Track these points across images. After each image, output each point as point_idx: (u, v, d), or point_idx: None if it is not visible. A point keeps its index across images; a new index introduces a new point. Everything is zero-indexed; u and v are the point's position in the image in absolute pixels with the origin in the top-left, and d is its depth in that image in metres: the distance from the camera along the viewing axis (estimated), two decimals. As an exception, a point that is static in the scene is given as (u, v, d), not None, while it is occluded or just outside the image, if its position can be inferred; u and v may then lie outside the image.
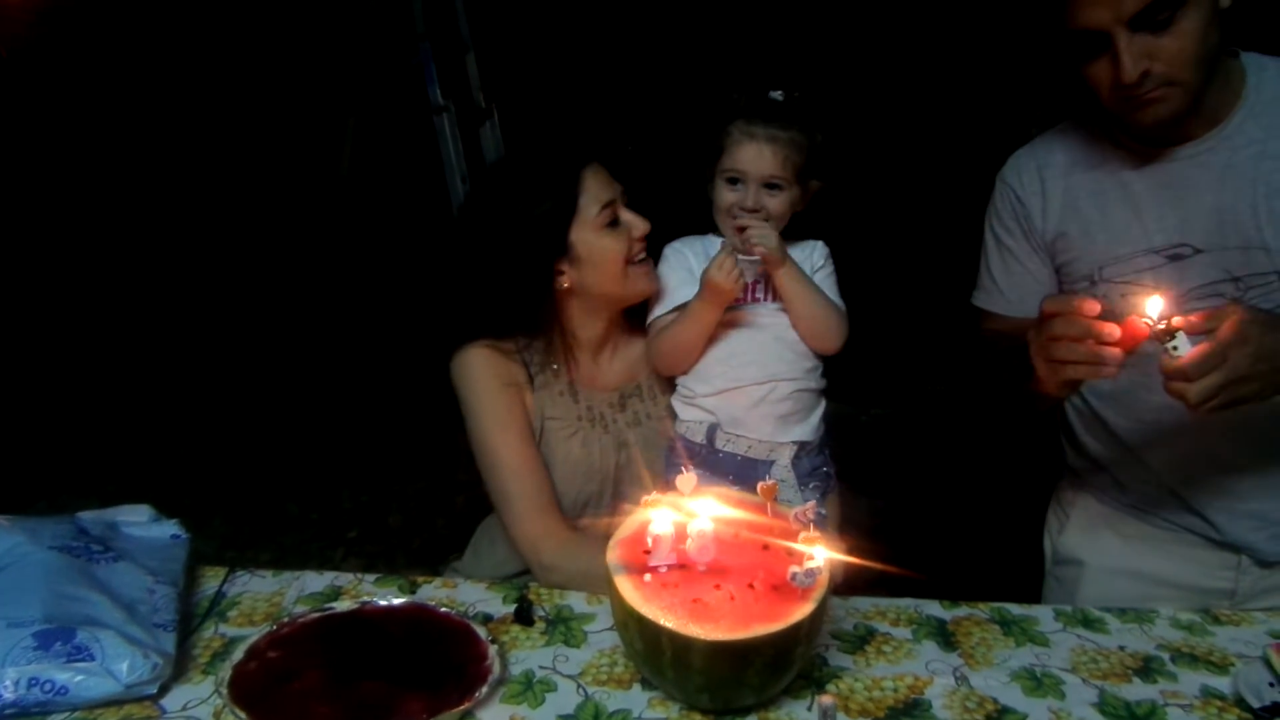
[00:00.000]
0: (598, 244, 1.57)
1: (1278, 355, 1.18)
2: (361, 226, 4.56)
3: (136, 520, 1.50)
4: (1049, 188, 1.54)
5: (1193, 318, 1.18)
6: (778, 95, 1.53)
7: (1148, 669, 1.31)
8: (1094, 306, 1.19)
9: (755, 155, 1.50)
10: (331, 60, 4.34)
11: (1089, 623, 1.42)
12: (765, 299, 1.58)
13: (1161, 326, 1.17)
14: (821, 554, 1.13)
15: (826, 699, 0.91)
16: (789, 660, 1.13)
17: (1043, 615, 1.44)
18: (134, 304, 4.58)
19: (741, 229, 1.52)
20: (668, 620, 1.08)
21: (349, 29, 4.21)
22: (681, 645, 1.08)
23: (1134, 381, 1.50)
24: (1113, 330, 1.19)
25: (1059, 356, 1.22)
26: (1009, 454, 1.62)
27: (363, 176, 4.54)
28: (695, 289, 1.53)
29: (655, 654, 1.12)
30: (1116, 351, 1.19)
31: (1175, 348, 1.16)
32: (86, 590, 1.24)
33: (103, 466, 3.82)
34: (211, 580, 1.47)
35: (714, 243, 1.61)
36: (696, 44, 4.08)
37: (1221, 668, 1.31)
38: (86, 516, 1.47)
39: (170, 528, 1.50)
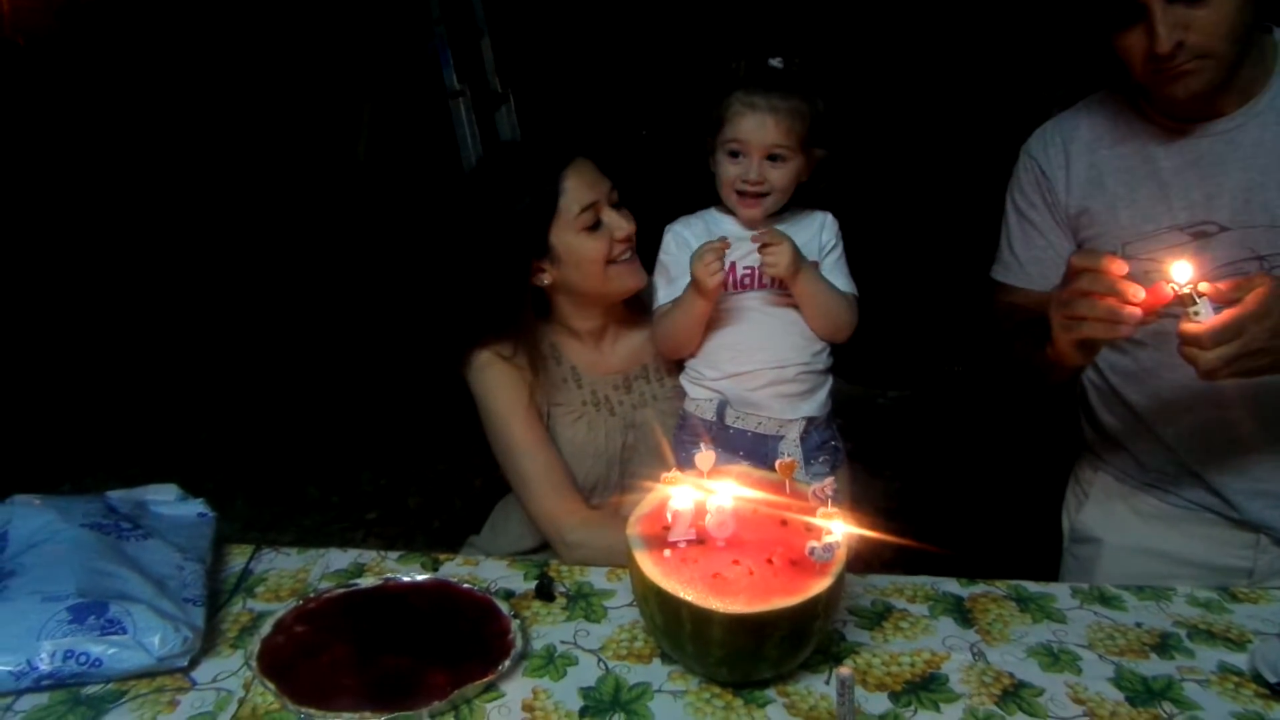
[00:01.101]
0: (577, 245, 1.58)
1: None
2: (378, 212, 4.58)
3: (164, 499, 1.53)
4: (1074, 162, 1.53)
5: (1220, 285, 1.19)
6: (777, 63, 1.51)
7: (1164, 645, 1.31)
8: (1122, 266, 1.20)
9: (757, 126, 1.48)
10: (347, 46, 4.35)
11: (1106, 600, 1.43)
12: (770, 284, 1.57)
13: (1187, 290, 1.17)
14: (839, 529, 1.14)
15: (844, 671, 0.92)
16: (807, 634, 1.14)
17: (1060, 592, 1.45)
18: (158, 290, 4.63)
19: (760, 245, 1.49)
20: (688, 594, 1.10)
21: (364, 15, 4.22)
22: (701, 618, 1.09)
23: (1155, 360, 1.51)
24: (1137, 290, 1.19)
25: (1079, 313, 1.23)
26: (1027, 433, 1.62)
27: (379, 162, 4.56)
28: None
29: (675, 627, 1.14)
30: (1136, 311, 1.19)
31: (1197, 313, 1.17)
32: (117, 566, 1.27)
33: (126, 450, 3.87)
34: (238, 557, 1.50)
35: (715, 218, 1.60)
36: (712, 21, 4.06)
37: (1239, 644, 1.31)
38: (115, 495, 1.50)
39: (197, 506, 1.53)
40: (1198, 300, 1.17)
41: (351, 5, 4.24)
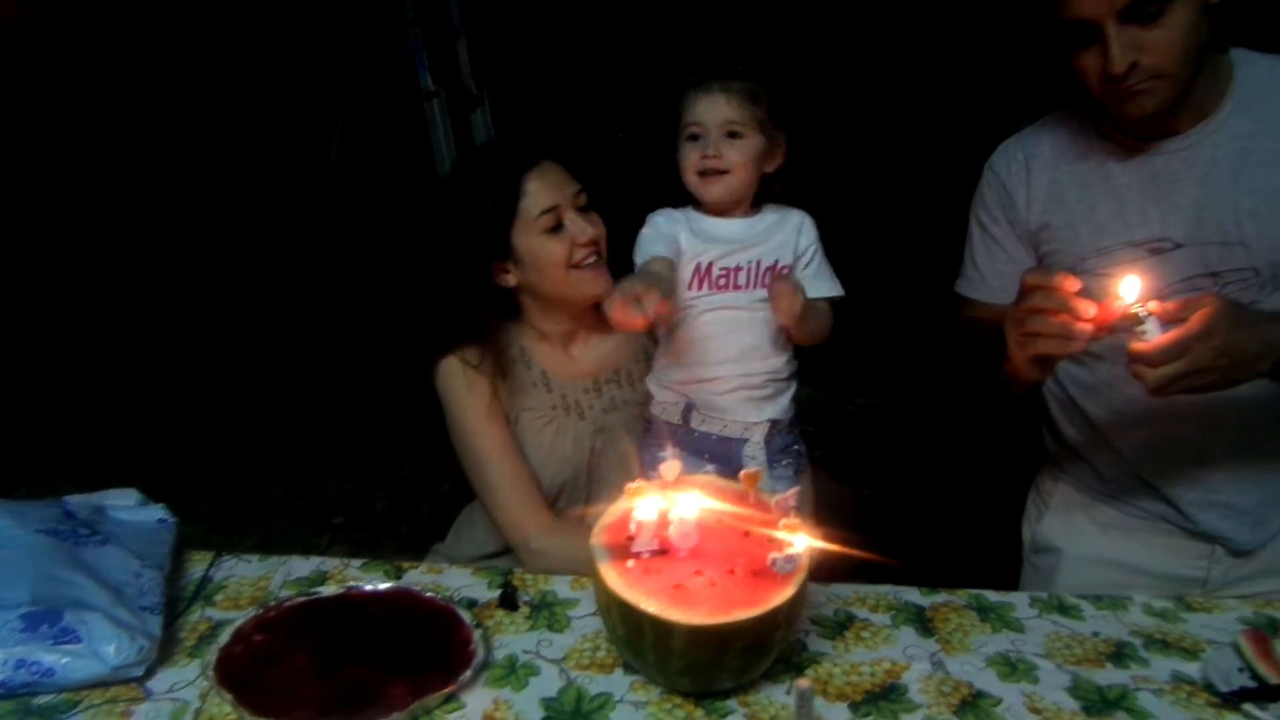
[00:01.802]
0: (538, 248, 1.59)
1: (1240, 351, 1.22)
2: (350, 213, 4.55)
3: (124, 504, 1.51)
4: (1035, 178, 1.55)
5: (1168, 304, 1.22)
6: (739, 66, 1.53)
7: (1120, 654, 1.33)
8: (1074, 283, 1.23)
9: (710, 104, 1.50)
10: (322, 47, 4.32)
11: (1064, 609, 1.45)
12: (745, 287, 1.55)
13: (1136, 310, 1.20)
14: (801, 541, 1.15)
15: (804, 683, 0.92)
16: (768, 644, 1.15)
17: (1019, 602, 1.46)
18: (119, 290, 4.56)
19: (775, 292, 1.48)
20: (649, 605, 1.10)
21: (339, 15, 4.19)
22: (663, 630, 1.10)
23: (1112, 373, 1.53)
24: (1089, 307, 1.22)
25: (1033, 329, 1.25)
26: (990, 443, 1.64)
27: (353, 163, 4.53)
28: (669, 248, 1.51)
29: (637, 638, 1.14)
30: (1087, 327, 1.22)
31: (1145, 331, 1.20)
32: (73, 573, 1.25)
33: (88, 451, 3.81)
34: (198, 564, 1.48)
35: (692, 214, 1.58)
36: (690, 24, 4.07)
37: (1192, 654, 1.33)
38: (74, 500, 1.48)
39: (157, 512, 1.51)
40: (1146, 319, 1.20)
41: (326, 5, 4.21)
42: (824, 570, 1.44)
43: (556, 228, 1.59)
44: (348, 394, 4.27)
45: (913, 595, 1.47)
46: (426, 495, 3.69)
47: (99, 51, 4.37)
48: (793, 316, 1.46)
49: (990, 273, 1.62)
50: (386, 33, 3.83)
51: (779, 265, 1.54)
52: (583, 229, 1.60)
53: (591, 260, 1.62)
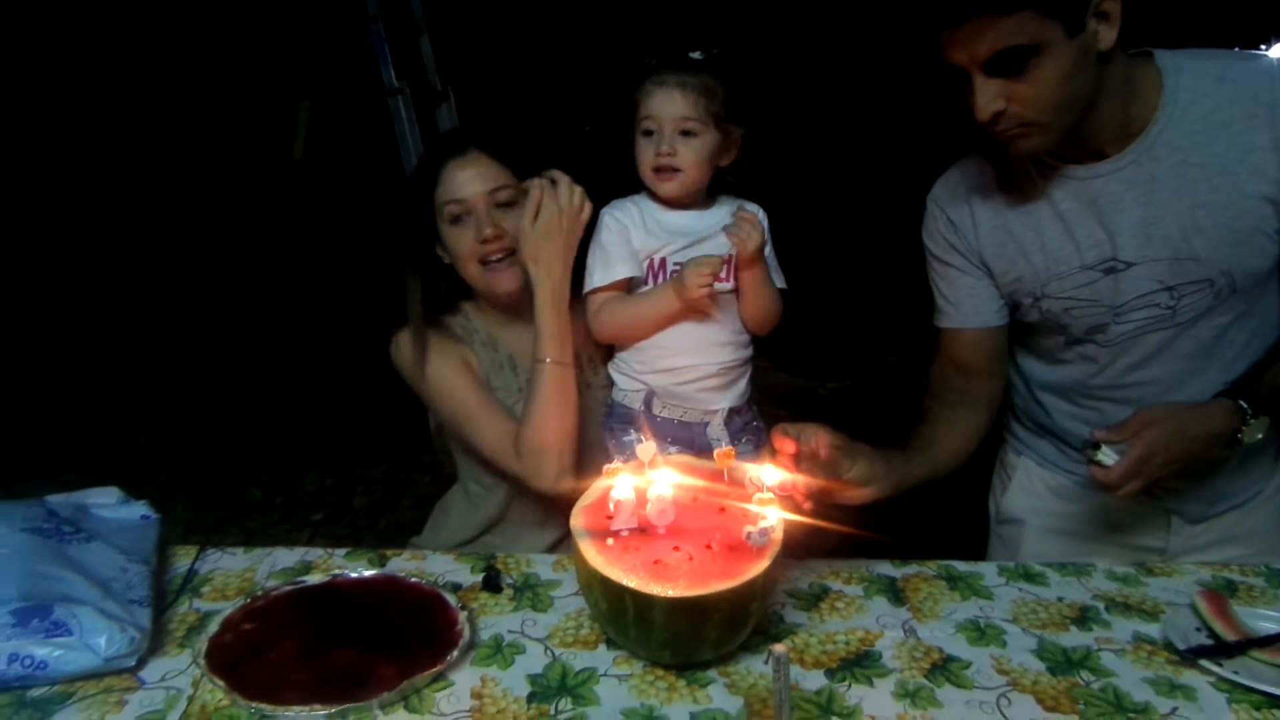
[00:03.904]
0: (448, 237, 1.65)
1: (1188, 454, 1.40)
2: (318, 210, 4.54)
3: (106, 502, 1.52)
4: (978, 209, 1.54)
5: (1112, 433, 1.37)
6: (697, 55, 1.55)
7: (1084, 618, 1.39)
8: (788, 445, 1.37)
9: (665, 99, 1.50)
10: (285, 44, 4.30)
11: (1030, 577, 1.50)
12: None
13: (1088, 439, 1.39)
14: (774, 514, 1.19)
15: (779, 648, 0.96)
16: (745, 615, 1.19)
17: (987, 571, 1.52)
18: (91, 291, 4.53)
19: (738, 220, 1.51)
20: (630, 580, 1.13)
21: (301, 12, 4.17)
22: (644, 604, 1.13)
23: (1072, 378, 1.59)
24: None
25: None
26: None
27: (318, 160, 4.52)
28: (633, 263, 1.55)
29: (619, 613, 1.17)
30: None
31: (1100, 460, 1.37)
32: (61, 569, 1.26)
33: (59, 456, 3.78)
34: (184, 558, 1.50)
35: (647, 203, 1.59)
36: (655, 18, 4.10)
37: (1153, 615, 1.39)
38: (56, 499, 1.49)
39: (140, 508, 1.53)
40: (1099, 447, 1.37)
41: (288, 2, 4.19)
42: (799, 549, 1.49)
43: (460, 219, 1.63)
44: (323, 390, 4.27)
45: (885, 568, 1.52)
46: (405, 489, 3.71)
47: (64, 51, 4.33)
48: (750, 248, 1.49)
49: (957, 299, 1.61)
50: (349, 30, 3.82)
51: (731, 259, 1.55)
52: (488, 225, 1.62)
53: (497, 258, 1.63)
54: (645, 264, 1.56)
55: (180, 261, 4.66)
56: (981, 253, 1.56)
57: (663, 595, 1.12)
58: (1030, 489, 1.74)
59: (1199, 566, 1.54)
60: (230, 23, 4.36)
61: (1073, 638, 1.34)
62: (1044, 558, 1.59)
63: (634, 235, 1.56)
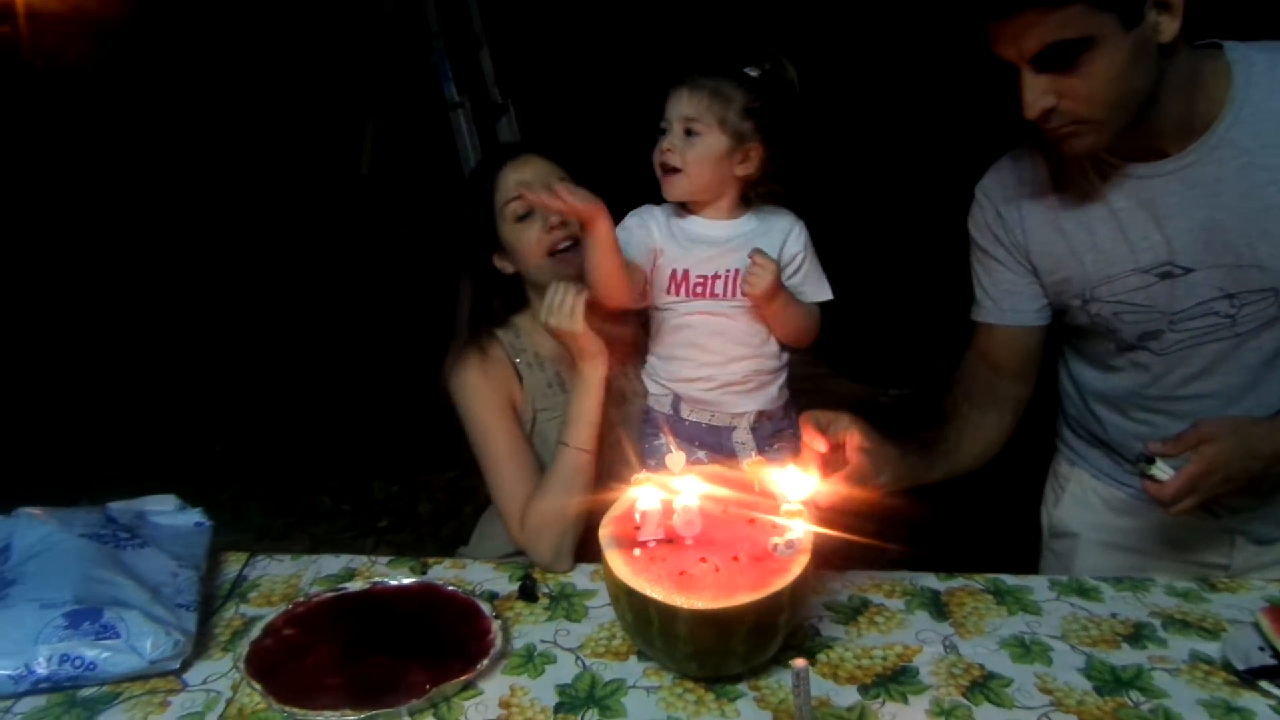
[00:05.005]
0: (513, 236, 1.64)
1: (1248, 471, 1.32)
2: (383, 223, 4.66)
3: (163, 509, 1.58)
4: (1027, 203, 1.48)
5: (1167, 447, 1.29)
6: (752, 71, 1.49)
7: (1138, 635, 1.34)
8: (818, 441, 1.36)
9: (674, 99, 1.47)
10: (349, 62, 4.43)
11: (1084, 592, 1.45)
12: (722, 295, 1.51)
13: (1143, 454, 1.31)
14: (801, 526, 1.17)
15: (799, 662, 0.94)
16: (772, 628, 1.17)
17: (1037, 585, 1.47)
18: (172, 305, 4.72)
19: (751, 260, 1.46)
20: (654, 591, 1.13)
21: (366, 31, 4.29)
22: (668, 615, 1.13)
23: (1125, 388, 1.52)
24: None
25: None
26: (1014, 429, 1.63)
27: (383, 175, 4.63)
28: (643, 255, 1.51)
29: (644, 624, 1.17)
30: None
31: (1154, 474, 1.30)
32: (114, 574, 1.32)
33: (143, 463, 3.94)
34: (234, 564, 1.55)
35: (674, 214, 1.55)
36: (714, 28, 4.10)
37: (1213, 633, 1.33)
38: (116, 506, 1.56)
39: (194, 515, 1.58)
40: (1154, 461, 1.29)
41: (353, 22, 4.31)
42: (840, 559, 1.46)
43: (527, 215, 1.62)
44: (391, 400, 4.36)
45: (929, 580, 1.49)
46: (468, 497, 3.75)
47: (138, 71, 4.53)
48: (758, 292, 1.44)
49: (998, 294, 1.55)
50: (412, 47, 3.91)
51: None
52: (553, 214, 1.58)
53: (565, 246, 1.62)
54: (668, 273, 1.52)
55: (258, 277, 4.83)
56: (1028, 249, 1.49)
57: (687, 607, 1.11)
58: (1084, 501, 1.67)
59: (1268, 582, 1.46)
60: (300, 46, 4.51)
61: (1124, 656, 1.29)
62: (1099, 573, 1.53)
63: (654, 232, 1.53)
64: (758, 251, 1.46)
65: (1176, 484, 1.27)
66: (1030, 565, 1.74)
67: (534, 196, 1.39)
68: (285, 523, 3.67)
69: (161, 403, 4.45)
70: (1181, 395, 1.47)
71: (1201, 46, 1.33)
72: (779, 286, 1.47)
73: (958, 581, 1.48)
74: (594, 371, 1.56)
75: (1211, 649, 1.30)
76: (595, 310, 1.62)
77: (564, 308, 1.49)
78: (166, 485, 1.65)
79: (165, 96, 4.63)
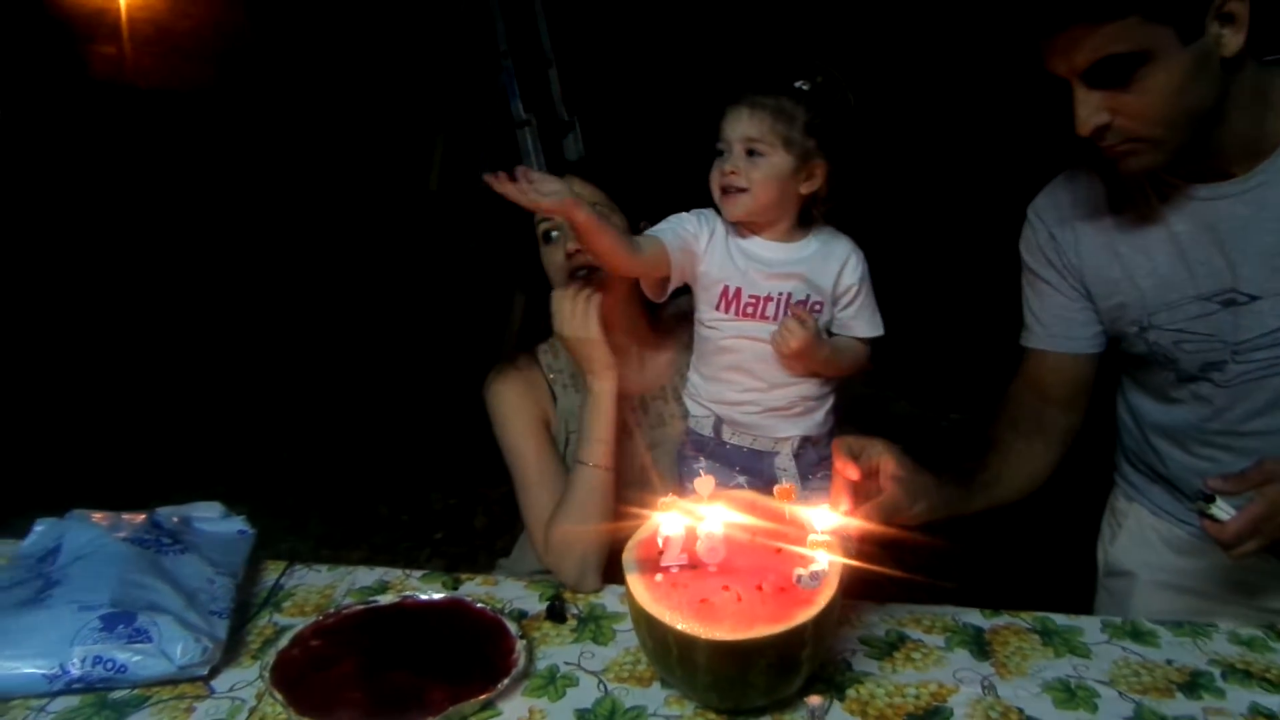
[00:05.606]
0: (544, 256, 1.63)
1: None
2: (453, 238, 4.74)
3: (208, 516, 1.61)
4: (1082, 226, 1.42)
5: (1229, 485, 1.21)
6: (803, 85, 1.46)
7: (1194, 684, 1.26)
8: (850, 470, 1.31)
9: (734, 119, 1.43)
10: (420, 80, 4.52)
11: (1139, 635, 1.38)
12: (773, 319, 1.48)
13: (1200, 490, 1.24)
14: (826, 558, 1.14)
15: (815, 700, 0.91)
16: (795, 662, 1.13)
17: (1088, 626, 1.40)
18: (242, 317, 4.88)
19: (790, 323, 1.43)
20: (673, 619, 1.10)
21: (435, 50, 4.38)
22: (686, 644, 1.10)
23: (1186, 421, 1.45)
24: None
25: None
26: (1066, 461, 1.56)
27: (452, 191, 4.72)
28: (679, 249, 1.47)
29: (663, 652, 1.14)
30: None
31: (1214, 514, 1.22)
32: (153, 579, 1.34)
33: (212, 470, 4.06)
34: (272, 573, 1.57)
35: (734, 230, 1.50)
36: (778, 48, 4.07)
37: (1278, 686, 1.25)
38: (164, 511, 1.59)
39: (238, 523, 1.61)
40: (1214, 500, 1.22)
41: (423, 41, 4.41)
42: (878, 591, 1.41)
43: (550, 236, 1.62)
44: (451, 412, 4.42)
45: (973, 617, 1.43)
46: (521, 513, 3.77)
47: (224, 92, 4.71)
48: (787, 351, 1.42)
49: (1049, 319, 1.50)
50: (481, 65, 3.98)
51: (811, 301, 1.47)
52: (572, 238, 1.55)
53: (585, 273, 1.59)
54: (719, 289, 1.48)
55: (333, 289, 4.96)
56: (1083, 274, 1.43)
57: (705, 638, 1.08)
58: (1142, 539, 1.59)
59: (1343, 632, 1.37)
60: (374, 65, 4.63)
61: (1176, 706, 1.22)
62: (1157, 616, 1.45)
63: (703, 241, 1.48)
64: (799, 307, 1.43)
65: (1238, 525, 1.19)
66: (1085, 605, 1.67)
67: (499, 186, 1.34)
68: (345, 531, 3.74)
69: (230, 413, 4.59)
70: (1246, 431, 1.38)
71: (1270, 62, 1.26)
72: (815, 344, 1.43)
73: (1003, 619, 1.42)
74: (604, 386, 1.54)
75: (1275, 703, 1.22)
76: (618, 326, 1.61)
77: (576, 315, 1.49)
78: (234, 491, 1.70)
79: (259, 116, 4.80)
